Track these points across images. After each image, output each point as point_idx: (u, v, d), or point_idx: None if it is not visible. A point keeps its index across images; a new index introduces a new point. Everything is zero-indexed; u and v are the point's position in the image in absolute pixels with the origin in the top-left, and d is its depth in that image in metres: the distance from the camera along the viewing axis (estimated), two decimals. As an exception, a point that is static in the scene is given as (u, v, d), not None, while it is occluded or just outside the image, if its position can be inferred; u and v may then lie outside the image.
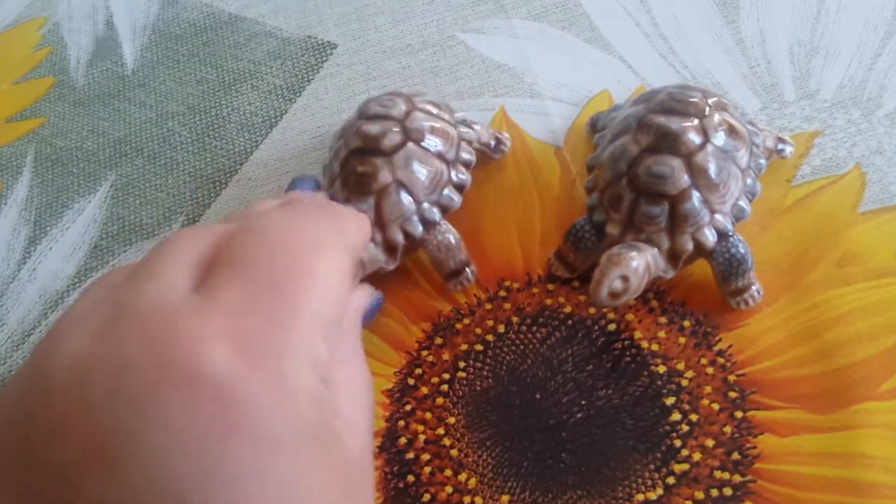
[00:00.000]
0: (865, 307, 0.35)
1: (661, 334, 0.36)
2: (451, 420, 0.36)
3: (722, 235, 0.34)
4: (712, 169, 0.34)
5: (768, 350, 0.35)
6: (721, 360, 0.35)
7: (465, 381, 0.36)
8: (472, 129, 0.41)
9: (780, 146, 0.39)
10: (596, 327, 0.37)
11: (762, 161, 0.36)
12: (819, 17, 0.45)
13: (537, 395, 0.35)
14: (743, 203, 0.35)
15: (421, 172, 0.37)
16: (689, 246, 0.34)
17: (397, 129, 0.37)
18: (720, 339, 0.35)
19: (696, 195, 0.34)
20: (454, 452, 0.35)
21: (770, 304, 0.36)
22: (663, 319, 0.36)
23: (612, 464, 0.33)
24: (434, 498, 0.34)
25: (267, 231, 0.26)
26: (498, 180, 0.42)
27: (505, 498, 0.33)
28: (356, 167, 0.37)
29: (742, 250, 0.34)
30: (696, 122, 0.35)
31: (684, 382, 0.35)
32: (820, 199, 0.38)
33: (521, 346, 0.37)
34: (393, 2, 0.51)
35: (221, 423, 0.21)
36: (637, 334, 0.36)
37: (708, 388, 0.34)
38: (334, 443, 0.24)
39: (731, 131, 0.35)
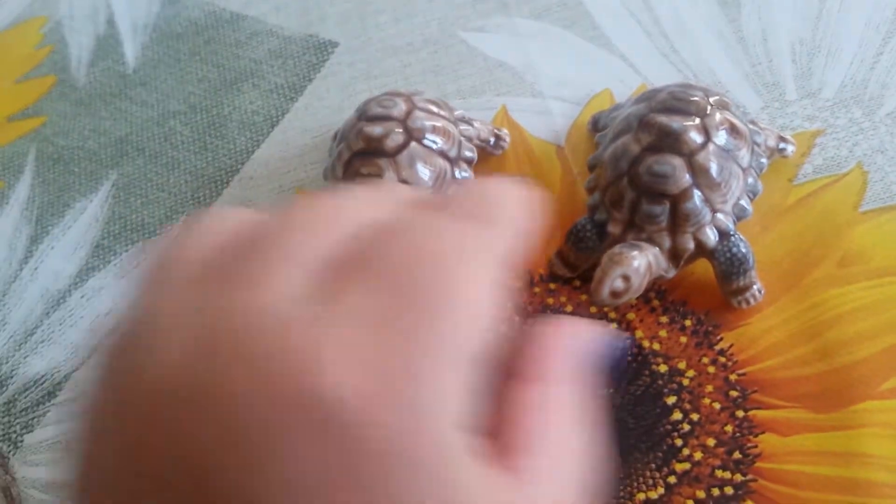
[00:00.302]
0: (866, 306, 0.35)
1: (663, 333, 0.36)
2: (453, 419, 0.36)
3: (723, 235, 0.34)
4: (714, 168, 0.34)
5: (769, 349, 0.35)
6: (722, 360, 0.35)
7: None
8: (472, 125, 0.41)
9: (782, 145, 0.39)
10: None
11: (763, 160, 0.36)
12: (821, 16, 0.44)
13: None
14: (744, 202, 0.35)
15: (425, 171, 0.37)
16: (691, 245, 0.34)
17: (399, 130, 0.37)
18: (721, 339, 0.35)
19: (697, 194, 0.34)
20: (456, 452, 0.35)
21: (771, 303, 0.36)
22: (664, 319, 0.36)
23: (613, 463, 0.33)
24: (436, 497, 0.34)
25: (410, 235, 0.21)
26: (499, 179, 0.42)
27: (506, 497, 0.33)
28: (360, 169, 0.37)
29: (743, 249, 0.34)
30: (697, 121, 0.35)
31: (685, 382, 0.35)
32: (821, 198, 0.38)
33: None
34: (394, 0, 0.51)
35: (347, 467, 0.17)
36: (638, 333, 0.36)
37: (709, 388, 0.34)
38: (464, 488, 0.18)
39: (733, 130, 0.35)
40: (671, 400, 0.34)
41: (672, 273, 0.35)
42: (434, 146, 0.38)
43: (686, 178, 0.34)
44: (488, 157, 0.42)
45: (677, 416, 0.34)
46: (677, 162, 0.34)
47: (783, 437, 0.33)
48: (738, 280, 0.35)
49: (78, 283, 0.44)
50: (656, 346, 0.36)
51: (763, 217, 0.38)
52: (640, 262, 0.33)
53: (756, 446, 0.33)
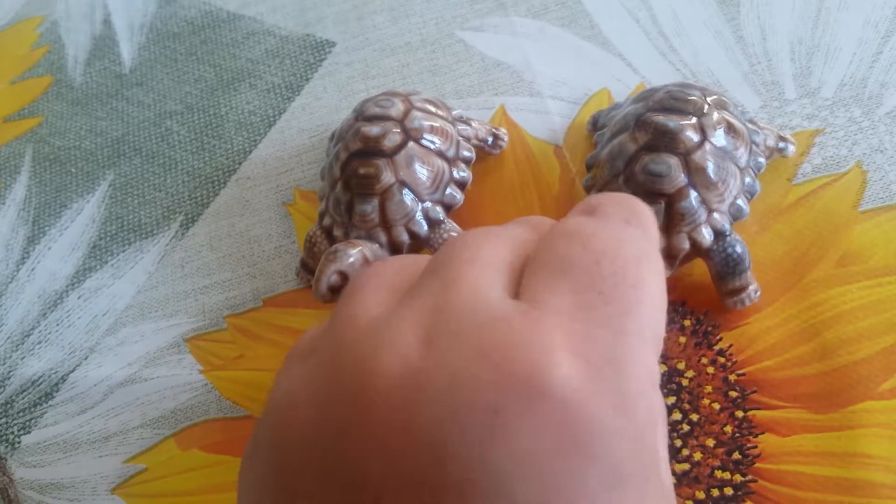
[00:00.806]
0: (866, 306, 0.35)
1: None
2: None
3: (719, 234, 0.34)
4: (710, 167, 0.34)
5: (769, 349, 0.35)
6: (721, 360, 0.35)
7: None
8: (470, 125, 0.41)
9: (782, 144, 0.38)
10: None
11: (762, 160, 0.36)
12: (820, 14, 0.44)
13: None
14: (741, 202, 0.35)
15: (423, 171, 0.37)
16: (686, 245, 0.34)
17: (397, 130, 0.37)
18: (720, 339, 0.35)
19: (693, 194, 0.34)
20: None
21: (770, 303, 0.36)
22: (663, 319, 0.36)
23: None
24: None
25: (587, 237, 0.23)
26: (498, 179, 0.42)
27: (505, 498, 0.33)
28: (358, 169, 0.37)
29: (739, 250, 0.34)
30: (694, 120, 0.35)
31: (685, 382, 0.35)
32: (821, 197, 0.38)
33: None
34: (392, 0, 0.51)
35: (570, 448, 0.18)
36: (637, 334, 0.36)
37: (708, 388, 0.34)
38: (658, 477, 0.20)
39: (730, 129, 0.35)
40: (670, 400, 0.34)
41: (668, 273, 0.34)
42: (432, 146, 0.38)
43: (682, 178, 0.34)
44: (486, 157, 0.42)
45: (676, 416, 0.34)
46: (673, 161, 0.34)
47: (783, 438, 0.33)
48: (734, 281, 0.35)
49: (75, 283, 0.44)
50: (655, 347, 0.36)
51: (762, 216, 0.38)
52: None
53: (755, 447, 0.33)
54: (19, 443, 0.39)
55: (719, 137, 0.35)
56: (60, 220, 0.46)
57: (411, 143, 0.37)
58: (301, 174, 0.45)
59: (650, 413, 0.20)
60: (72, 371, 0.41)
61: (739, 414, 0.34)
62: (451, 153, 0.38)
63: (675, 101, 0.35)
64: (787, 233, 0.37)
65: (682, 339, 0.36)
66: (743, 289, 0.35)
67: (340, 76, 0.48)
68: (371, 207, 0.37)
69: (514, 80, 0.46)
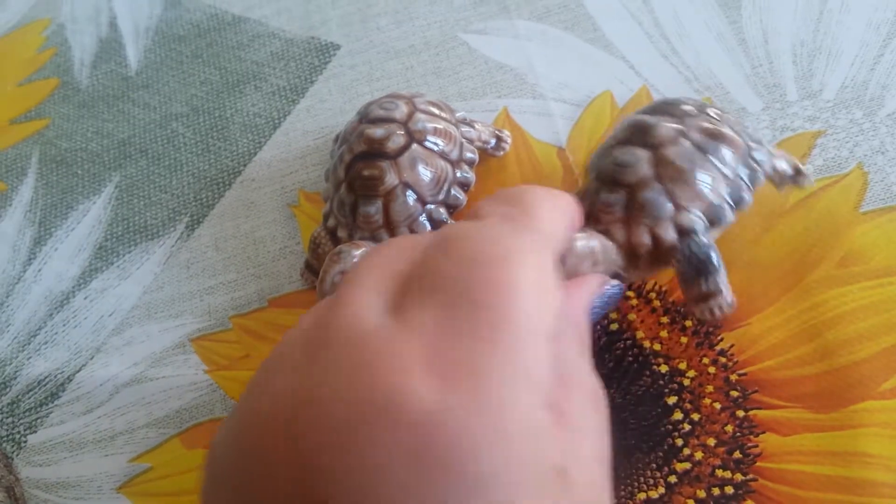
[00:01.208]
0: (866, 307, 0.35)
1: (664, 334, 0.36)
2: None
3: (685, 233, 0.32)
4: (681, 162, 0.32)
5: (770, 349, 0.35)
6: (723, 360, 0.35)
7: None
8: (473, 127, 0.41)
9: (796, 175, 0.36)
10: (598, 327, 0.37)
11: (760, 176, 0.34)
12: (821, 17, 0.45)
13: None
14: (725, 206, 0.32)
15: (426, 173, 0.37)
16: (646, 239, 0.32)
17: (401, 132, 0.38)
18: (722, 339, 0.36)
19: (657, 186, 0.32)
20: (457, 452, 0.35)
21: (771, 303, 0.36)
22: (665, 319, 0.36)
23: (614, 463, 0.33)
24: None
25: (456, 244, 0.23)
26: (501, 180, 0.42)
27: (508, 497, 0.34)
28: (362, 171, 0.37)
29: (704, 250, 0.32)
30: (676, 120, 0.34)
31: (686, 382, 0.35)
32: (822, 198, 0.38)
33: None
34: (395, 2, 0.52)
35: (426, 464, 0.19)
36: (639, 334, 0.36)
37: (710, 388, 0.35)
38: (564, 488, 0.20)
39: (717, 135, 0.33)
40: (672, 400, 0.35)
41: (634, 276, 0.33)
42: (435, 148, 0.38)
43: (646, 168, 0.32)
44: (490, 159, 0.42)
45: (678, 416, 0.34)
46: (641, 153, 0.33)
47: (783, 437, 0.33)
48: (699, 285, 0.32)
49: (81, 284, 0.44)
50: (657, 347, 0.36)
51: (763, 218, 0.38)
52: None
53: (756, 446, 0.33)
54: (25, 442, 0.40)
55: (698, 137, 0.33)
56: (67, 221, 0.47)
57: (415, 145, 0.37)
58: (305, 176, 0.45)
59: (526, 417, 0.20)
60: (78, 371, 0.41)
61: (740, 413, 0.34)
62: (454, 155, 0.39)
63: (666, 106, 0.35)
64: (789, 234, 0.37)
65: (684, 340, 0.36)
66: (711, 295, 0.32)
67: (345, 79, 0.49)
68: (375, 209, 0.37)
69: (518, 82, 0.46)
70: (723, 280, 0.32)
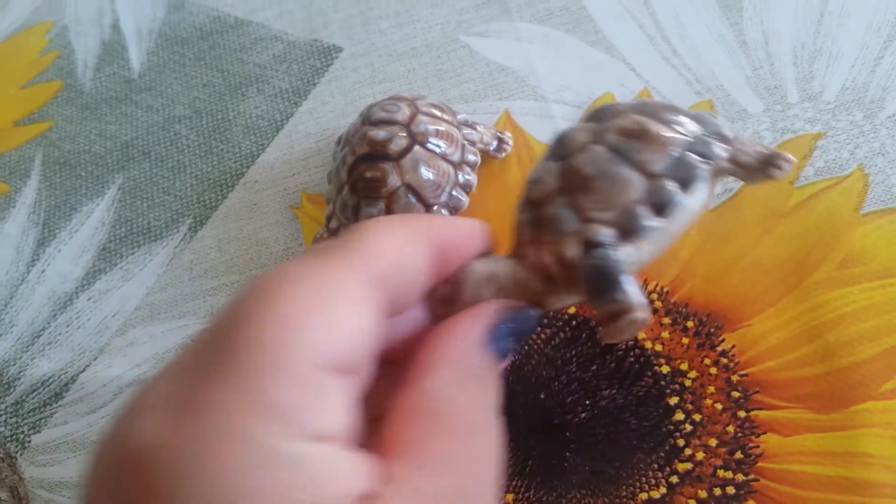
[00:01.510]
0: (867, 308, 0.35)
1: (665, 335, 0.36)
2: (457, 420, 0.36)
3: (591, 247, 0.27)
4: (590, 170, 0.28)
5: (771, 350, 0.35)
6: (724, 361, 0.35)
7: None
8: (475, 129, 0.41)
9: (765, 167, 0.30)
10: (600, 328, 0.37)
11: (701, 173, 0.28)
12: (822, 19, 0.45)
13: (542, 395, 0.36)
14: (641, 212, 0.27)
15: (428, 175, 0.37)
16: (549, 259, 0.27)
17: (403, 134, 0.38)
18: (723, 340, 0.36)
19: (561, 200, 0.28)
20: (459, 452, 0.35)
21: (772, 304, 0.36)
22: (667, 320, 0.37)
23: (616, 463, 0.34)
24: (440, 497, 0.34)
25: (248, 284, 0.22)
26: (502, 182, 0.42)
27: (510, 497, 0.34)
28: (364, 173, 0.37)
29: (604, 263, 0.26)
30: (591, 123, 0.30)
31: (688, 382, 0.35)
32: (822, 200, 0.38)
33: (526, 347, 0.37)
34: (397, 5, 0.52)
35: (130, 497, 0.19)
36: (641, 335, 0.36)
37: (711, 388, 0.35)
38: None
39: (633, 133, 0.29)
40: (673, 400, 0.35)
41: (556, 302, 0.28)
42: (437, 150, 0.38)
43: (552, 182, 0.28)
44: (491, 161, 0.42)
45: (679, 416, 0.34)
46: (552, 166, 0.29)
47: (785, 438, 0.33)
48: (604, 302, 0.26)
49: (84, 285, 0.44)
50: (659, 348, 0.36)
51: (764, 219, 0.38)
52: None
53: (758, 446, 0.33)
54: (29, 442, 0.40)
55: (614, 139, 0.28)
56: (70, 222, 0.47)
57: (417, 147, 0.38)
58: (308, 178, 0.45)
59: (254, 449, 0.19)
60: (81, 371, 0.41)
61: (742, 414, 0.34)
62: (456, 157, 0.39)
63: (598, 112, 0.31)
64: (789, 235, 0.38)
65: (686, 341, 0.36)
66: (620, 313, 0.26)
67: (347, 81, 0.49)
68: (377, 210, 0.37)
69: (519, 84, 0.46)
70: (632, 295, 0.26)
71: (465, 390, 0.23)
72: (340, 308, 0.21)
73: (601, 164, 0.28)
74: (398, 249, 0.24)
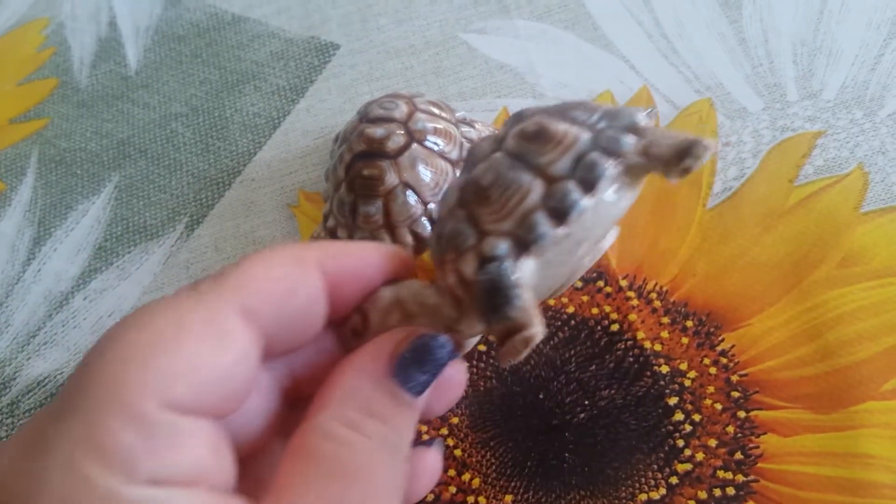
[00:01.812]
0: (867, 307, 0.35)
1: (664, 335, 0.36)
2: (455, 420, 0.36)
3: (485, 261, 0.24)
4: (486, 180, 0.25)
5: (771, 350, 0.35)
6: (724, 361, 0.35)
7: (468, 382, 0.36)
8: (473, 127, 0.41)
9: (680, 159, 0.24)
10: (599, 328, 0.37)
11: (604, 171, 0.24)
12: (822, 17, 0.45)
13: (541, 396, 0.35)
14: (538, 219, 0.24)
15: (426, 173, 0.37)
16: (451, 279, 0.25)
17: (401, 131, 0.38)
18: (723, 340, 0.36)
19: (460, 213, 0.26)
20: (458, 452, 0.35)
21: (772, 304, 0.36)
22: (666, 320, 0.36)
23: (616, 464, 0.34)
24: (438, 498, 0.34)
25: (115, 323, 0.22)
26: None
27: (508, 498, 0.34)
28: (362, 170, 0.37)
29: (499, 278, 0.24)
30: (501, 130, 0.28)
31: (687, 383, 0.35)
32: (822, 199, 0.38)
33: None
34: (395, 2, 0.52)
35: None
36: (640, 335, 0.36)
37: (711, 389, 0.35)
38: None
39: (531, 135, 0.26)
40: (673, 401, 0.35)
41: (469, 327, 0.25)
42: (435, 148, 0.38)
43: (453, 197, 0.26)
44: (490, 159, 0.42)
45: (679, 416, 0.34)
46: (457, 181, 0.27)
47: (784, 438, 0.33)
48: (495, 319, 0.24)
49: (80, 284, 0.44)
50: (658, 348, 0.36)
51: (764, 218, 0.38)
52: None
53: (757, 447, 0.33)
54: (25, 442, 0.40)
55: (513, 144, 0.26)
56: (66, 221, 0.46)
57: (415, 145, 0.37)
58: (305, 176, 0.45)
59: (78, 485, 0.19)
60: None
61: (741, 414, 0.34)
62: (454, 155, 0.39)
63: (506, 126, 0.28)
64: (789, 234, 0.37)
65: (685, 340, 0.36)
66: (514, 330, 0.24)
67: (345, 78, 0.49)
68: (375, 209, 0.37)
69: (518, 82, 0.46)
70: (524, 310, 0.24)
71: (358, 428, 0.22)
72: (194, 343, 0.21)
73: (498, 171, 0.26)
74: (278, 280, 0.23)
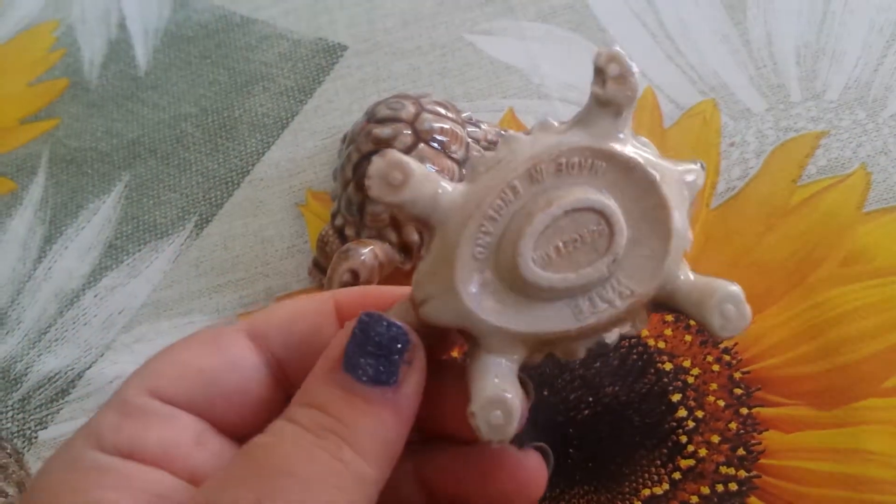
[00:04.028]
0: (869, 305, 0.35)
1: (668, 332, 0.36)
2: (461, 416, 0.36)
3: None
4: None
5: (773, 347, 0.35)
6: (727, 358, 0.35)
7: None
8: (480, 127, 0.41)
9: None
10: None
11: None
12: (825, 18, 0.45)
13: (545, 392, 0.36)
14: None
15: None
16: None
17: (408, 131, 0.38)
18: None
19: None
20: (463, 448, 0.35)
21: (775, 302, 0.36)
22: (669, 317, 0.37)
23: (619, 459, 0.34)
24: (444, 493, 0.34)
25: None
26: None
27: (513, 493, 0.34)
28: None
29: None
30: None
31: (690, 380, 0.35)
32: (825, 198, 0.39)
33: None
34: (402, 3, 0.52)
35: None
36: (644, 332, 0.37)
37: (714, 385, 0.35)
38: None
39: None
40: (676, 397, 0.35)
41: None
42: (442, 147, 0.38)
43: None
44: (495, 159, 0.43)
45: (682, 413, 0.34)
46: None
47: (786, 434, 0.33)
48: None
49: (91, 282, 0.44)
50: (661, 345, 0.36)
51: (767, 217, 0.38)
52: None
53: (760, 443, 0.33)
54: (36, 438, 0.40)
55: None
56: (77, 220, 0.47)
57: (421, 145, 0.38)
58: (313, 175, 0.46)
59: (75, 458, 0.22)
60: (88, 368, 0.42)
61: (744, 411, 0.34)
62: (460, 155, 0.39)
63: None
64: (792, 233, 0.38)
65: (688, 338, 0.36)
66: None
67: (352, 79, 0.49)
68: (382, 207, 0.37)
69: (523, 82, 0.46)
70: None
71: (292, 418, 0.21)
72: (187, 350, 0.24)
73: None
74: (285, 306, 0.26)
